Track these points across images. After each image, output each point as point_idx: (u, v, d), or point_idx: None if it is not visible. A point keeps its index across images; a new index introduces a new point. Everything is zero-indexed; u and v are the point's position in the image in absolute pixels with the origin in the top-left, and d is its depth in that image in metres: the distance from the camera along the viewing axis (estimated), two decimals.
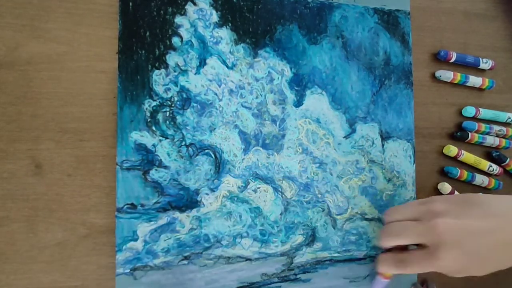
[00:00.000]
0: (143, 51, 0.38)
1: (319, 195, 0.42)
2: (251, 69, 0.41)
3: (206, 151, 0.39)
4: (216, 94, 0.40)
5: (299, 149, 0.42)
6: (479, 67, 0.49)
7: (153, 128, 0.38)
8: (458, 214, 0.33)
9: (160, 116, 0.38)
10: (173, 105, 0.38)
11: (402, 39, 0.46)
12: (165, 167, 0.38)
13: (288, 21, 0.42)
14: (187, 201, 0.38)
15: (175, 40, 0.39)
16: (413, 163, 0.46)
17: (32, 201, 0.35)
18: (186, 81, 0.39)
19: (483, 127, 0.48)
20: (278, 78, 0.42)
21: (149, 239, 0.37)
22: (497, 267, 0.33)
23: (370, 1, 0.45)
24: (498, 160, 0.49)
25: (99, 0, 0.37)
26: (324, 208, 0.42)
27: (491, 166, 0.48)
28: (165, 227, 0.37)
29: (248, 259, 0.39)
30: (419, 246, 0.36)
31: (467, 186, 0.48)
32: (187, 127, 0.39)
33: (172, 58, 0.38)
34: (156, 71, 0.38)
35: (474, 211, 0.33)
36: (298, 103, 0.42)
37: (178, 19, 0.39)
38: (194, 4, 0.39)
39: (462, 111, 0.49)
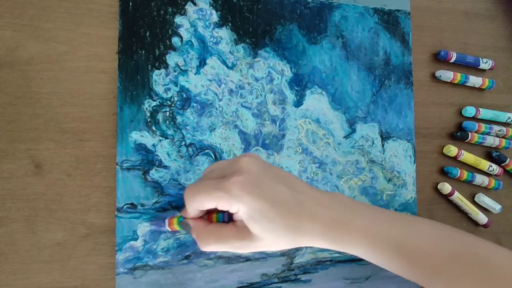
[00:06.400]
0: (143, 51, 0.38)
1: None
2: (251, 69, 0.41)
3: (206, 151, 0.39)
4: (216, 94, 0.40)
5: (299, 149, 0.42)
6: (479, 67, 0.49)
7: (153, 128, 0.37)
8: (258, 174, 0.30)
9: (160, 116, 0.38)
10: (173, 105, 0.38)
11: (402, 39, 0.46)
12: (165, 167, 0.38)
13: (288, 21, 0.42)
14: None
15: (175, 40, 0.39)
16: (413, 163, 0.46)
17: (32, 201, 0.35)
18: (186, 81, 0.39)
19: (483, 127, 0.48)
20: (278, 78, 0.41)
21: (149, 239, 0.37)
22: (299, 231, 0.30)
23: (370, 1, 0.45)
24: (498, 160, 0.49)
25: (99, 0, 0.37)
26: None
27: (491, 166, 0.48)
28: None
29: (248, 259, 0.39)
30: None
31: (467, 186, 0.48)
32: (187, 127, 0.38)
33: (172, 58, 0.38)
34: (156, 71, 0.38)
35: (283, 182, 0.31)
36: (298, 103, 0.42)
37: (178, 19, 0.39)
38: (194, 4, 0.39)
39: (462, 111, 0.49)
